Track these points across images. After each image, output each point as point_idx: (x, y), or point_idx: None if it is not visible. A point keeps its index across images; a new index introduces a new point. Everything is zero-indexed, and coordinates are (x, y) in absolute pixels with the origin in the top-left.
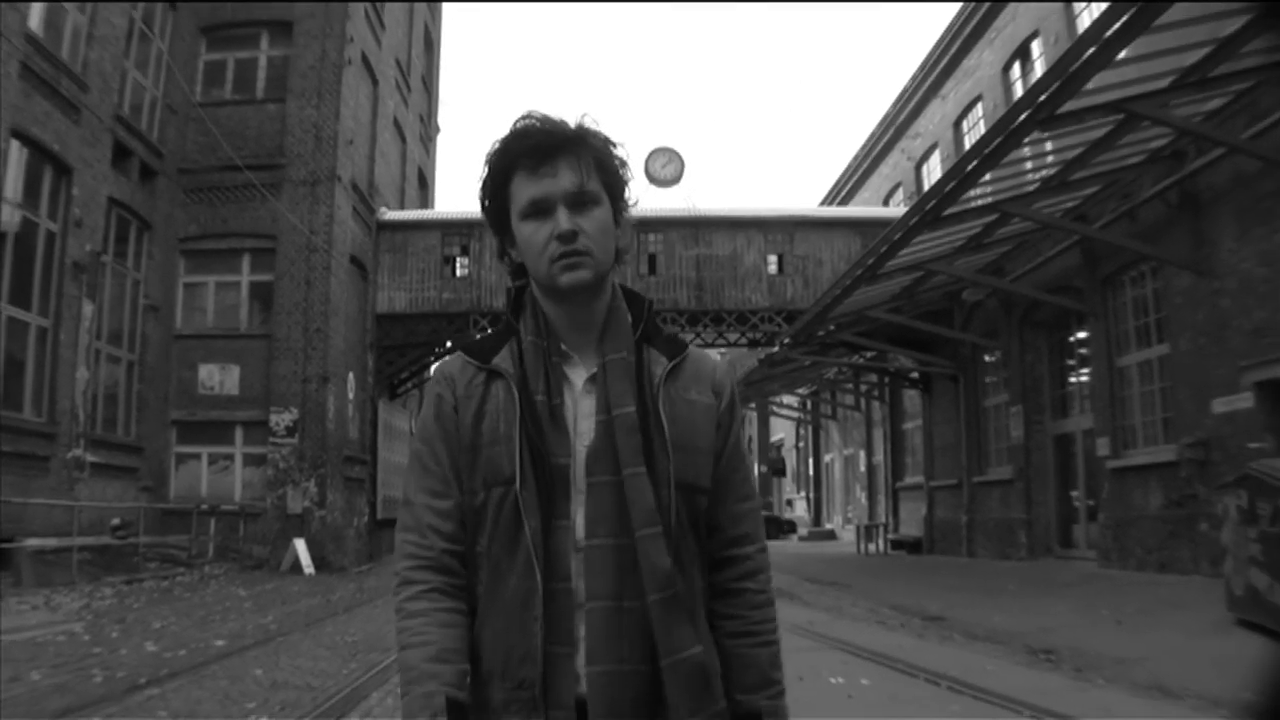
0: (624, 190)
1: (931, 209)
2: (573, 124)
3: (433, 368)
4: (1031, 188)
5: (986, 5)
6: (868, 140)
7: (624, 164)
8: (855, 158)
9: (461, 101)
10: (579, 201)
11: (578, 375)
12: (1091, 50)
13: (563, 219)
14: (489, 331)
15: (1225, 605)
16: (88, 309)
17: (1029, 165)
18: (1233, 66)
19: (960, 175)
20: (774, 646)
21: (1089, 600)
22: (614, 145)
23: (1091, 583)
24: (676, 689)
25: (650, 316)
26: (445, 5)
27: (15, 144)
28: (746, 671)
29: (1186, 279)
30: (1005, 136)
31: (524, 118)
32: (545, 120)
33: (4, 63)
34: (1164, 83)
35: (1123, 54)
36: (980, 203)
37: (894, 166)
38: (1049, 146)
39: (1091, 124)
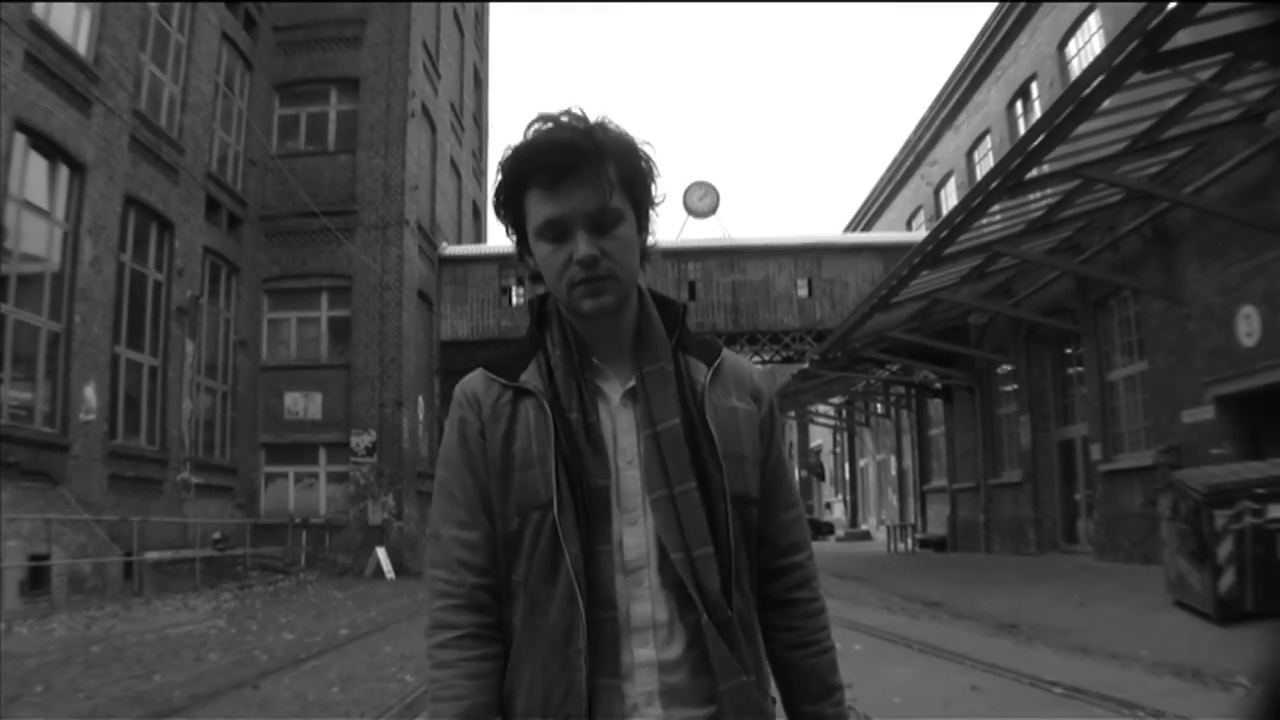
0: (649, 196)
1: (930, 251)
2: (592, 132)
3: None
4: (1020, 228)
5: (994, 44)
6: (891, 165)
7: (649, 163)
8: (880, 182)
9: (504, 129)
10: (600, 224)
11: (613, 389)
12: (1044, 135)
13: (582, 244)
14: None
15: (1165, 589)
16: (189, 347)
17: (1033, 201)
18: (1182, 129)
19: (951, 226)
20: (831, 653)
21: (1069, 587)
22: (637, 151)
23: (1081, 574)
24: (729, 715)
25: (684, 323)
26: (491, 41)
27: (128, 208)
28: (809, 682)
29: (1160, 305)
30: (984, 198)
31: (540, 120)
32: (562, 129)
33: (116, 137)
34: (1119, 147)
35: (1080, 130)
36: (988, 238)
37: (915, 191)
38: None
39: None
